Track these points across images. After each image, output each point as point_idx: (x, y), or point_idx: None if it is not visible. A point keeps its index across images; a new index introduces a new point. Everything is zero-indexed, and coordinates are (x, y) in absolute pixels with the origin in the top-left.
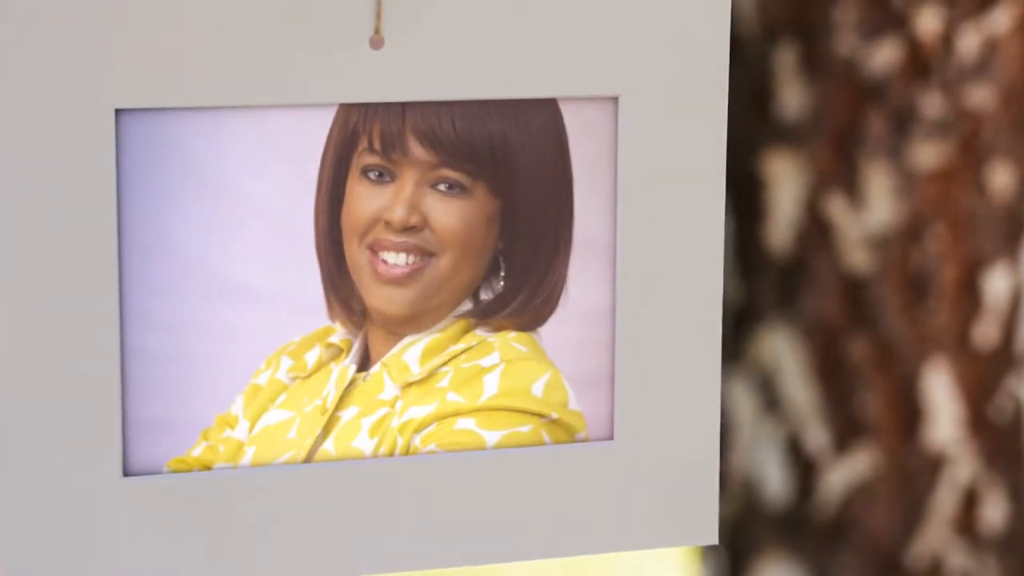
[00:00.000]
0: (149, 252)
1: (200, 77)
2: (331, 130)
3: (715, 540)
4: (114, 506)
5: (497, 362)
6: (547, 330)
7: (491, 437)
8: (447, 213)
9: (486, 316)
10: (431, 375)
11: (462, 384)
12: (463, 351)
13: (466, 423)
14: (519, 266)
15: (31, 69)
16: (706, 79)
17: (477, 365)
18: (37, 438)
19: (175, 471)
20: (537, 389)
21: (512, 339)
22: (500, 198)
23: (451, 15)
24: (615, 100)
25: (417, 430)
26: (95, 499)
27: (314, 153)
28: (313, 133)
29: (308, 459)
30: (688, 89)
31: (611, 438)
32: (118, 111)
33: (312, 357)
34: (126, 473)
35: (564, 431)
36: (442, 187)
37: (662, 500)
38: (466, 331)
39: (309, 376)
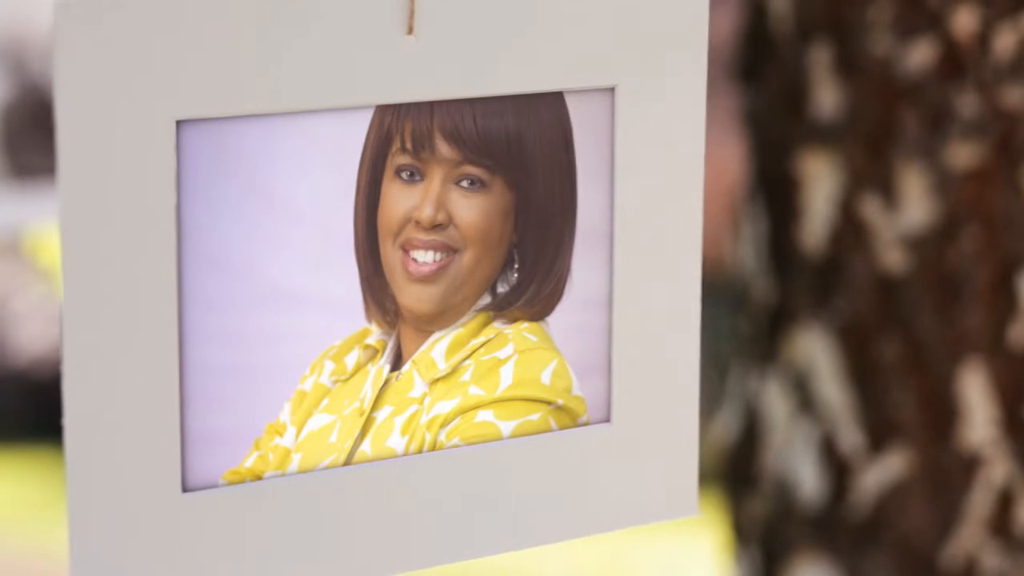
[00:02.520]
0: (206, 262)
1: (254, 84)
2: (368, 132)
3: (696, 512)
4: (174, 523)
5: (512, 353)
6: (553, 318)
7: (506, 427)
8: (469, 209)
9: (502, 308)
10: (455, 370)
11: (482, 377)
12: (483, 344)
13: (485, 415)
14: (530, 257)
15: (92, 83)
16: (688, 67)
17: (495, 357)
18: (98, 457)
19: (230, 483)
20: (546, 377)
21: (524, 329)
22: (515, 191)
23: (475, 12)
24: (612, 90)
25: (443, 425)
26: (155, 517)
27: (355, 156)
28: (354, 136)
29: (348, 462)
30: (675, 77)
31: (608, 420)
32: (179, 122)
33: (351, 359)
34: (185, 489)
35: (568, 416)
36: (465, 183)
37: (653, 478)
38: (485, 324)
39: (349, 378)
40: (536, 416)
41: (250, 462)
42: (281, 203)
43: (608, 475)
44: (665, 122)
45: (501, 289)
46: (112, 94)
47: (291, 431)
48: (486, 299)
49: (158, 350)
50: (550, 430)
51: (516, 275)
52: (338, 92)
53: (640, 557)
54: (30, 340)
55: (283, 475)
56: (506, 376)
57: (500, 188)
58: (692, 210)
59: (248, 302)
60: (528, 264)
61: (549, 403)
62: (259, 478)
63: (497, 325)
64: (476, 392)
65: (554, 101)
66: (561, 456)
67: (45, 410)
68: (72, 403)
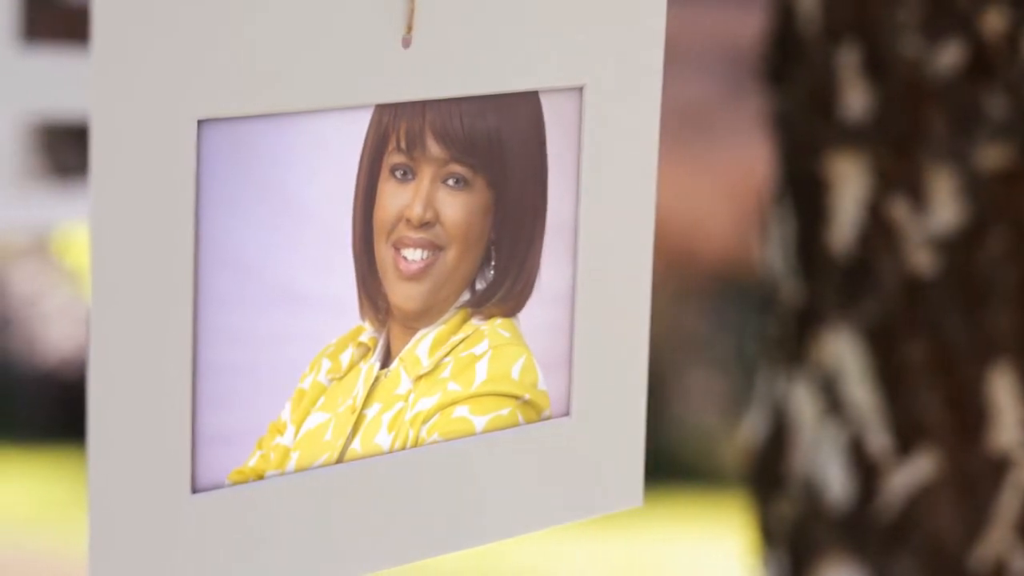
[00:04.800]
0: (219, 262)
1: (272, 83)
2: (368, 132)
3: (640, 502)
4: (185, 525)
5: (486, 349)
6: (522, 314)
7: (479, 422)
8: (454, 207)
9: (480, 305)
10: (436, 366)
11: (460, 373)
12: (461, 340)
13: (461, 411)
14: (505, 254)
15: (116, 84)
16: (646, 68)
17: (471, 353)
18: (115, 459)
19: (235, 483)
20: (515, 372)
21: (498, 326)
22: (494, 190)
23: (465, 14)
24: (580, 90)
25: (424, 421)
26: (166, 520)
27: (356, 156)
28: (357, 136)
29: (340, 459)
30: (635, 77)
31: (568, 414)
32: (200, 121)
33: (346, 358)
34: (194, 490)
35: (534, 410)
36: (450, 182)
37: (605, 469)
38: (465, 321)
39: (343, 376)
40: (506, 411)
41: (253, 461)
42: (291, 203)
43: (567, 467)
44: (626, 121)
45: (479, 286)
46: (142, 94)
47: (291, 430)
48: (466, 296)
49: (174, 350)
50: (518, 424)
51: (492, 272)
52: (346, 91)
53: (665, 559)
54: (58, 341)
55: (282, 474)
56: (481, 372)
57: (481, 186)
58: (645, 207)
59: (258, 301)
60: (503, 261)
61: (518, 398)
62: (261, 477)
63: (474, 322)
64: (454, 388)
65: (530, 101)
66: (527, 450)
67: (72, 410)
68: (95, 404)
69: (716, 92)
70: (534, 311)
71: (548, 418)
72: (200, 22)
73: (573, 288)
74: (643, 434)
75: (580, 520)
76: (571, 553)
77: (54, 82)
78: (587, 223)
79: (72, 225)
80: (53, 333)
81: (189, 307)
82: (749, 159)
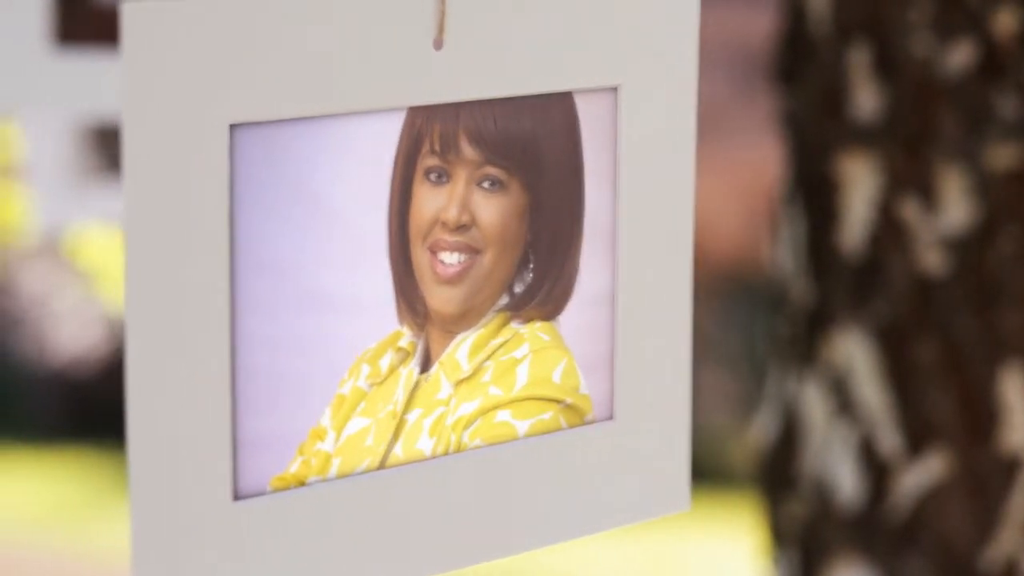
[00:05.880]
0: (255, 267)
1: (304, 87)
2: (401, 135)
3: (688, 506)
4: (227, 532)
5: (527, 353)
6: (562, 317)
7: (522, 427)
8: (489, 210)
9: (519, 308)
10: (477, 371)
11: (500, 377)
12: (501, 344)
13: (503, 415)
14: (543, 257)
15: (148, 90)
16: (681, 66)
17: (512, 357)
18: (156, 466)
19: (276, 490)
20: (557, 376)
21: (538, 329)
22: (530, 192)
23: (497, 16)
24: (615, 90)
25: (466, 426)
26: (208, 527)
27: (390, 159)
28: (390, 140)
29: (382, 465)
30: (670, 76)
31: (611, 417)
32: (232, 126)
33: (385, 362)
34: (236, 497)
35: (576, 414)
36: (486, 184)
37: (651, 473)
38: (504, 324)
39: (383, 381)
40: (548, 415)
41: (295, 468)
42: (326, 206)
43: (612, 471)
44: (662, 120)
45: (518, 289)
46: (174, 99)
47: (331, 435)
48: (504, 299)
49: (212, 355)
50: (560, 428)
51: (531, 275)
52: (379, 94)
53: (675, 558)
54: (68, 340)
55: (324, 480)
56: (522, 376)
57: (516, 188)
58: (684, 206)
59: (295, 306)
60: (542, 264)
61: (560, 402)
62: (303, 483)
63: (514, 325)
64: (495, 392)
65: (564, 102)
66: (571, 454)
67: (81, 410)
68: (134, 412)
69: (727, 92)
70: (574, 314)
71: (591, 422)
72: (231, 27)
73: (613, 290)
74: (688, 436)
75: (626, 525)
76: (578, 550)
77: (86, 84)
78: (625, 223)
79: (85, 226)
80: (63, 333)
81: (226, 312)
82: (759, 159)
